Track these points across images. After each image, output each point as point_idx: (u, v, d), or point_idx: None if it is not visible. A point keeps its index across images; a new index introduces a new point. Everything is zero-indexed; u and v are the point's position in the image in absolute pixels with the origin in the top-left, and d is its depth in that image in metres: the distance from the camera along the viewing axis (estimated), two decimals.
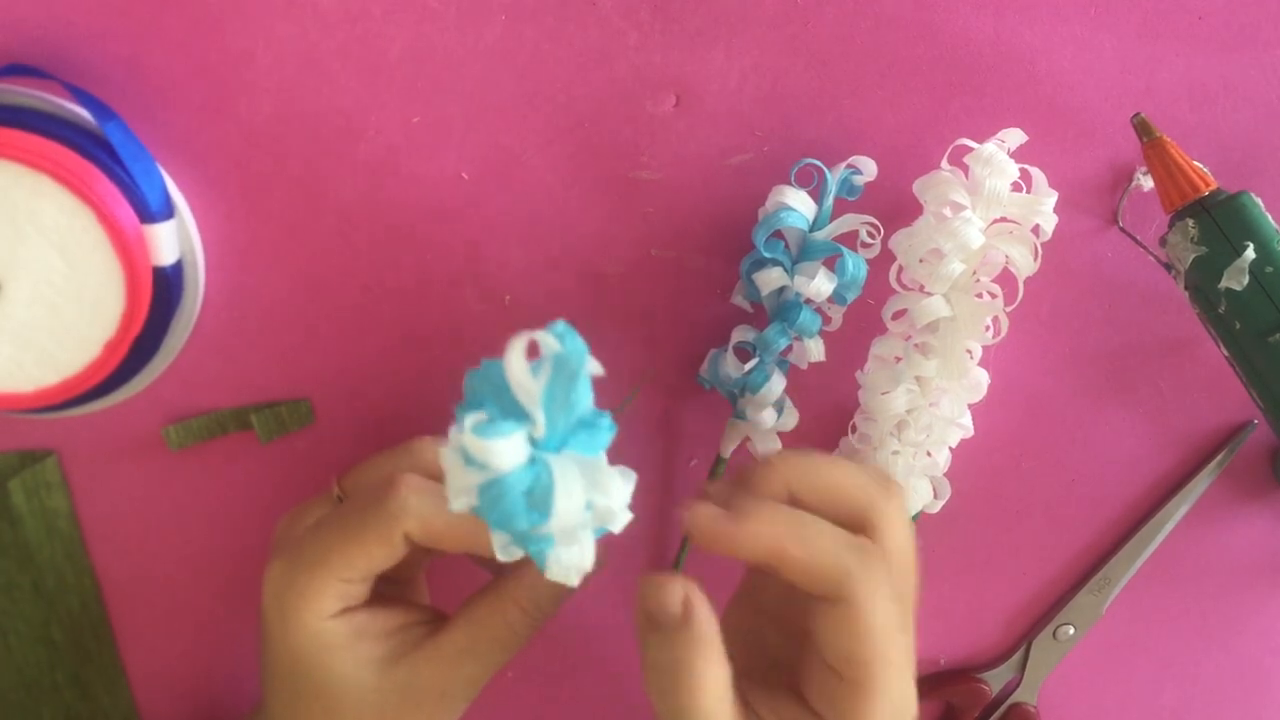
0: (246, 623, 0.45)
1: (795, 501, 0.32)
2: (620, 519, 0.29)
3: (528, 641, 0.35)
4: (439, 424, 0.43)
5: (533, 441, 0.28)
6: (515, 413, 0.28)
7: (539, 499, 0.28)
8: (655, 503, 0.44)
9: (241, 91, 0.38)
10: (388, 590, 0.37)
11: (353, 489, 0.38)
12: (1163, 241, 0.40)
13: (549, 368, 0.28)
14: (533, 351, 0.28)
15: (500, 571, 0.36)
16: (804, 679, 0.33)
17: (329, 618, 0.33)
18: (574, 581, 0.30)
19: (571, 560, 0.29)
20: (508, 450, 0.27)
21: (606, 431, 0.29)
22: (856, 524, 0.32)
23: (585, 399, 0.28)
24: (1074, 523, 0.46)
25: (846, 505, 0.32)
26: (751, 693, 0.33)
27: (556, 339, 0.27)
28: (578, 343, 0.28)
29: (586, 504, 0.28)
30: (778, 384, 0.40)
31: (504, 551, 0.29)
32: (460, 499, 0.28)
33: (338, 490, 0.38)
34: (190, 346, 0.41)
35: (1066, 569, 0.47)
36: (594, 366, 0.28)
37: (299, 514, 0.38)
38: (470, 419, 0.27)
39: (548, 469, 0.28)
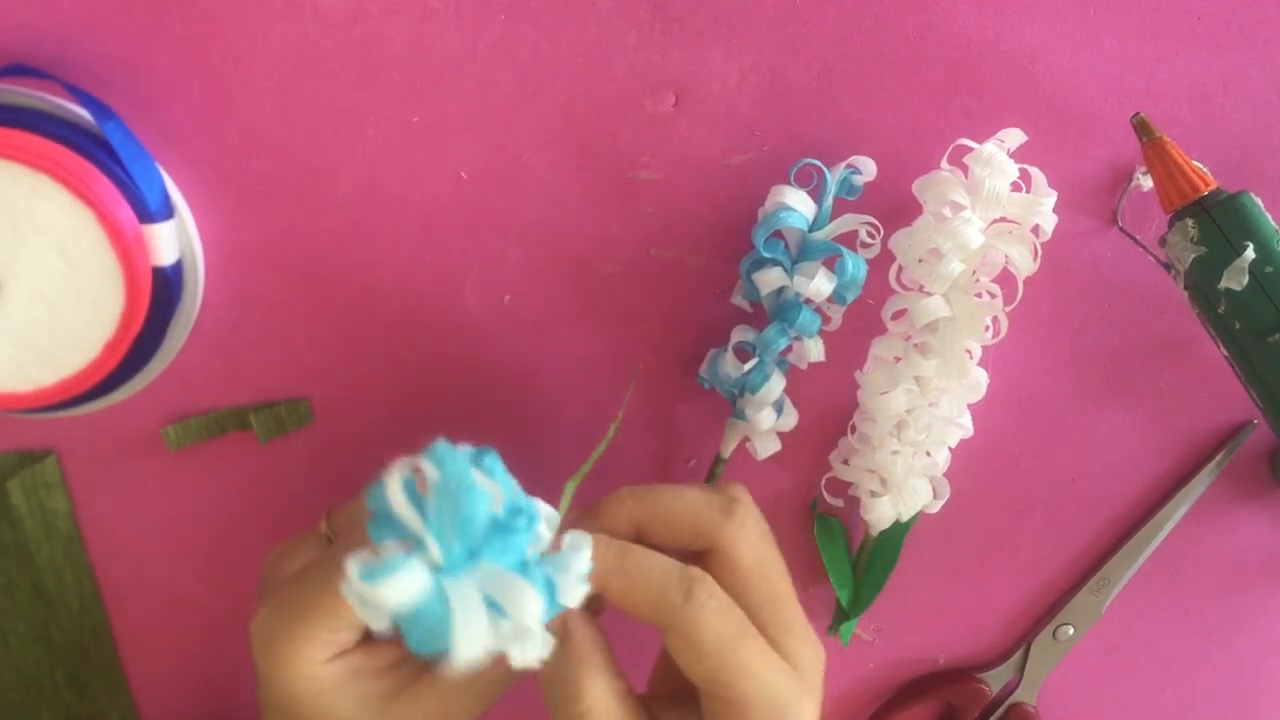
0: (246, 623, 0.44)
1: (641, 534, 0.34)
2: (533, 639, 0.28)
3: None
4: (439, 424, 0.43)
5: (436, 566, 0.27)
6: (410, 538, 0.28)
7: (443, 628, 0.27)
8: None
9: (241, 91, 0.38)
10: None
11: (340, 528, 0.37)
12: (1163, 241, 0.40)
13: (433, 494, 0.27)
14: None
15: None
16: (699, 698, 0.34)
17: (322, 663, 0.33)
18: (534, 665, 0.29)
19: (524, 656, 0.28)
20: (399, 588, 0.26)
21: (524, 532, 0.28)
22: (704, 549, 0.34)
23: (480, 514, 0.28)
24: (1074, 523, 0.46)
25: (688, 533, 0.34)
26: (665, 709, 0.34)
27: (435, 465, 0.27)
28: (457, 463, 0.27)
29: (497, 622, 0.28)
30: (777, 384, 0.40)
31: (369, 621, 0.28)
32: (378, 625, 0.28)
33: (325, 528, 0.38)
34: (190, 346, 0.41)
35: (1066, 569, 0.47)
36: (486, 480, 0.27)
37: (286, 552, 0.38)
38: (356, 564, 0.26)
39: (443, 598, 0.27)
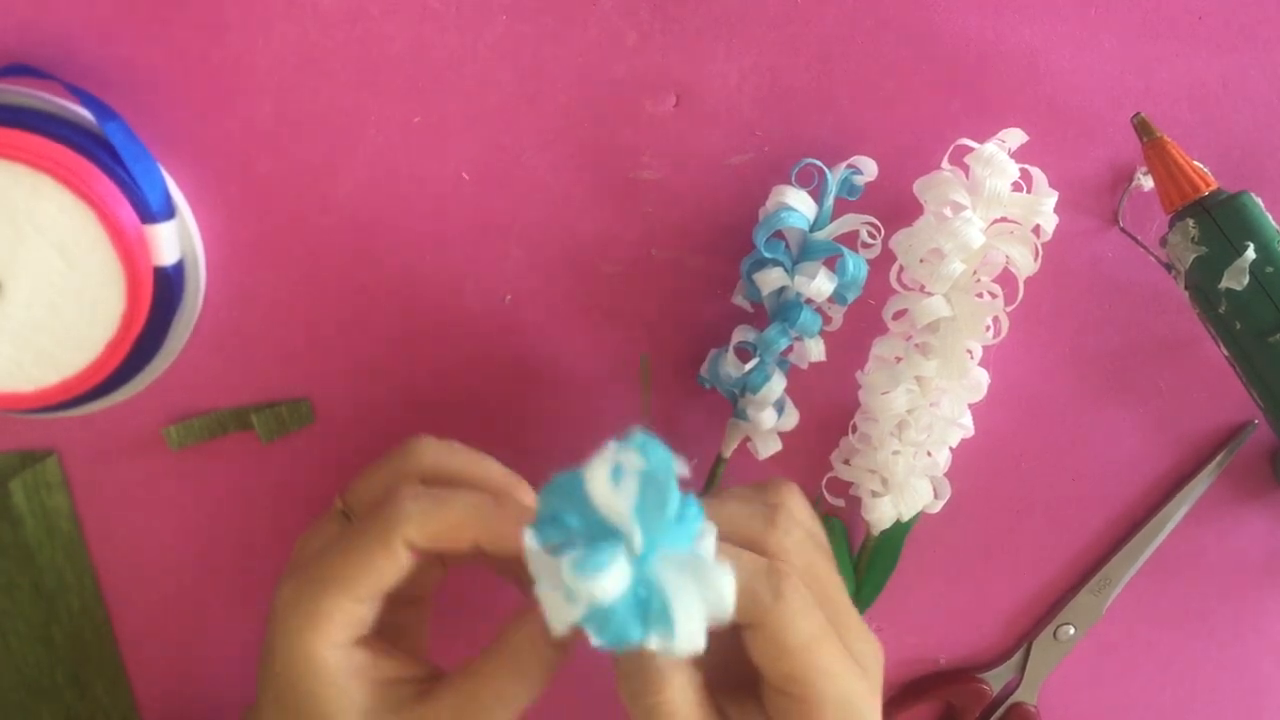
0: (247, 623, 0.44)
1: None
2: (728, 606, 0.28)
3: (521, 709, 0.34)
4: (438, 423, 0.43)
5: (630, 557, 0.28)
6: (603, 529, 0.28)
7: (656, 616, 0.27)
8: None
9: (241, 91, 0.38)
10: (390, 637, 0.36)
11: (354, 502, 0.37)
12: (1163, 241, 0.40)
13: (635, 483, 0.27)
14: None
15: (516, 577, 0.35)
16: (762, 693, 0.34)
17: (333, 646, 0.33)
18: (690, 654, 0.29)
19: (688, 646, 0.28)
20: (611, 581, 0.27)
21: (694, 520, 0.28)
22: (758, 553, 0.34)
23: (676, 505, 0.28)
24: (1074, 523, 0.46)
25: (740, 541, 0.34)
26: (725, 701, 0.34)
27: (640, 454, 0.27)
28: (662, 453, 0.27)
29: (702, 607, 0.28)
30: (778, 384, 0.40)
31: (559, 619, 0.28)
32: (567, 619, 0.28)
33: (340, 504, 0.38)
34: (191, 346, 0.41)
35: (1066, 569, 0.47)
36: (680, 468, 0.27)
37: (310, 536, 0.38)
38: (568, 559, 0.27)
39: (659, 591, 0.27)
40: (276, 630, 0.34)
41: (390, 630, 0.36)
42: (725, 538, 0.33)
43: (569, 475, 0.28)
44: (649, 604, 0.28)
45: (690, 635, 0.28)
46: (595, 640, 0.28)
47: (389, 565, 0.33)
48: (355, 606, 0.33)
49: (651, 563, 0.28)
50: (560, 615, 0.28)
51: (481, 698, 0.33)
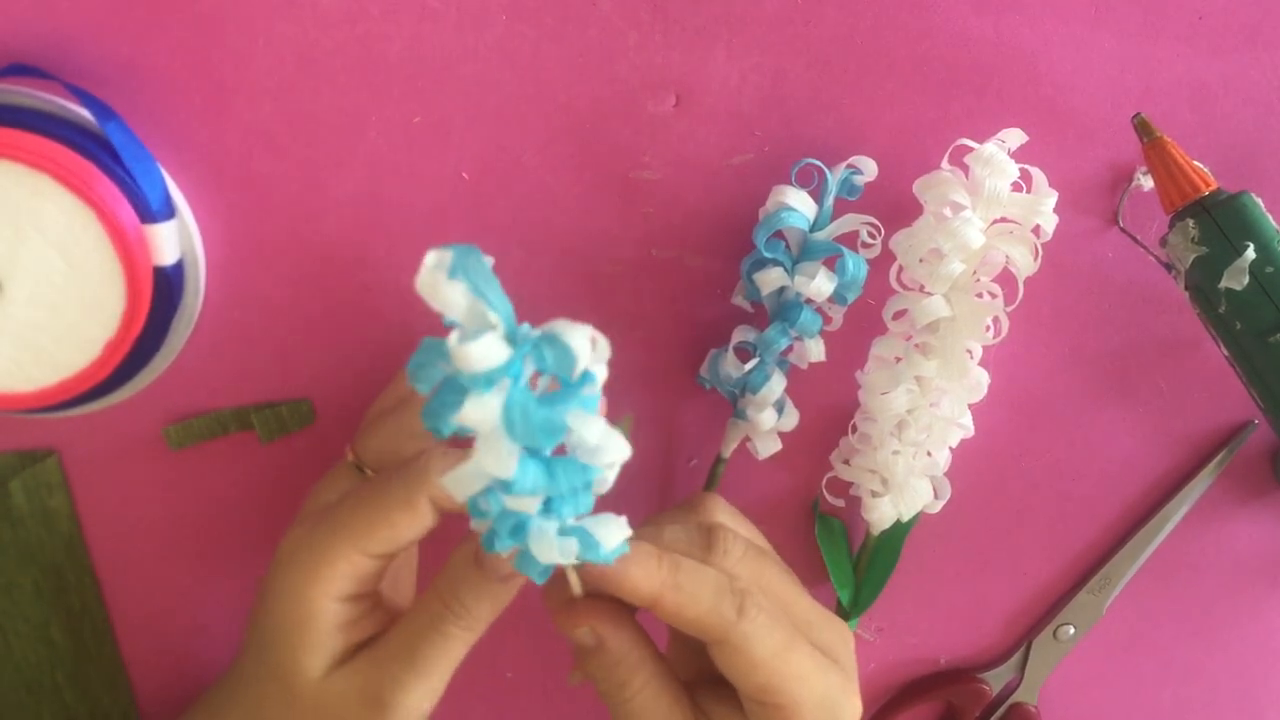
0: (247, 623, 0.44)
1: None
2: (616, 449, 0.29)
3: (465, 644, 0.34)
4: None
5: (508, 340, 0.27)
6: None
7: (539, 427, 0.27)
8: (655, 504, 0.44)
9: (241, 91, 0.38)
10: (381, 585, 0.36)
11: (365, 454, 0.38)
12: (1163, 241, 0.40)
13: (460, 275, 0.27)
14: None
15: None
16: (742, 703, 0.34)
17: (330, 598, 0.33)
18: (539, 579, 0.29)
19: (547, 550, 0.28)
20: (486, 347, 0.27)
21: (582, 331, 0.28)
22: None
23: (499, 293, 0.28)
24: (1074, 523, 0.46)
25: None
26: (703, 699, 0.34)
27: (450, 253, 0.27)
28: (463, 248, 0.27)
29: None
30: (778, 384, 0.40)
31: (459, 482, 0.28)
32: (464, 481, 0.27)
33: (351, 457, 0.38)
34: (190, 346, 0.41)
35: (1066, 569, 0.47)
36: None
37: (323, 487, 0.38)
38: (451, 338, 0.27)
39: (532, 344, 0.27)
40: (277, 575, 0.34)
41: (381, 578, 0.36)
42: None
43: (428, 341, 0.28)
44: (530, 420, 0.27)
45: (600, 443, 0.28)
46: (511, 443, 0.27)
47: (411, 522, 0.33)
48: (364, 561, 0.33)
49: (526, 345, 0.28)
50: (462, 479, 0.27)
51: (422, 631, 0.33)
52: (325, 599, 0.33)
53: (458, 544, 0.34)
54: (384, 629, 0.35)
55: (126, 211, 0.35)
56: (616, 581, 0.31)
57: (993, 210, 0.38)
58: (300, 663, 0.34)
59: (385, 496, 0.33)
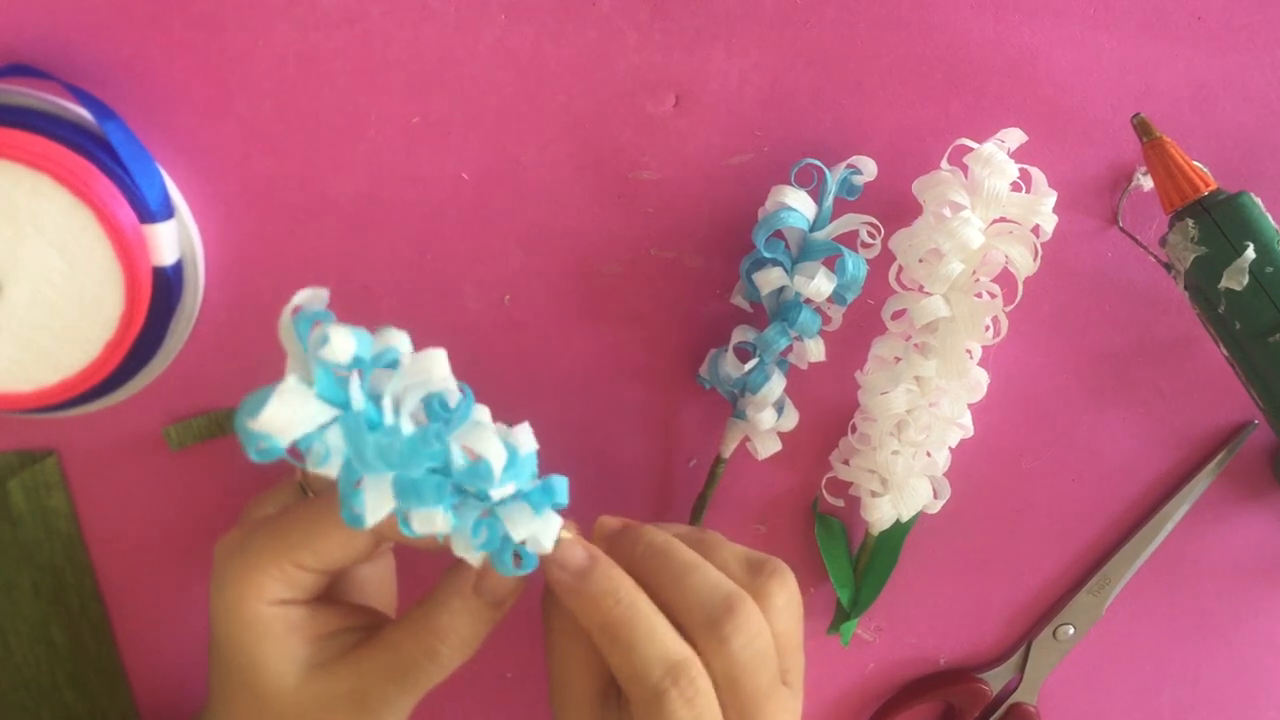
0: None
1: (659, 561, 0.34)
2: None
3: (453, 665, 0.34)
4: None
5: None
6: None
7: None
8: (655, 504, 0.44)
9: (241, 91, 0.38)
10: (341, 589, 0.36)
11: (314, 479, 0.37)
12: (1163, 241, 0.40)
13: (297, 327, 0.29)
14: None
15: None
16: None
17: (268, 603, 0.33)
18: (474, 560, 0.31)
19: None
20: (342, 341, 0.29)
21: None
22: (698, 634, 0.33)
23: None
24: (1074, 523, 0.46)
25: (694, 604, 0.33)
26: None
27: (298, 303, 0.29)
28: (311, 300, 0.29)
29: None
30: (778, 384, 0.40)
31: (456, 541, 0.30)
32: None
33: (300, 477, 0.38)
34: (190, 346, 0.41)
35: (1066, 569, 0.47)
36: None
37: (263, 500, 0.38)
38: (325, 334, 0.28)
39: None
40: (212, 585, 0.34)
41: (349, 584, 0.36)
42: (686, 590, 0.33)
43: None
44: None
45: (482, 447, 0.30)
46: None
47: (344, 544, 0.33)
48: (296, 573, 0.33)
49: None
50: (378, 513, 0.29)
51: (412, 652, 0.33)
52: (259, 603, 0.33)
53: (447, 567, 0.34)
54: (360, 633, 0.35)
55: (126, 211, 0.35)
56: (572, 590, 0.32)
57: (992, 210, 0.38)
58: (268, 669, 0.33)
59: (324, 516, 0.33)
